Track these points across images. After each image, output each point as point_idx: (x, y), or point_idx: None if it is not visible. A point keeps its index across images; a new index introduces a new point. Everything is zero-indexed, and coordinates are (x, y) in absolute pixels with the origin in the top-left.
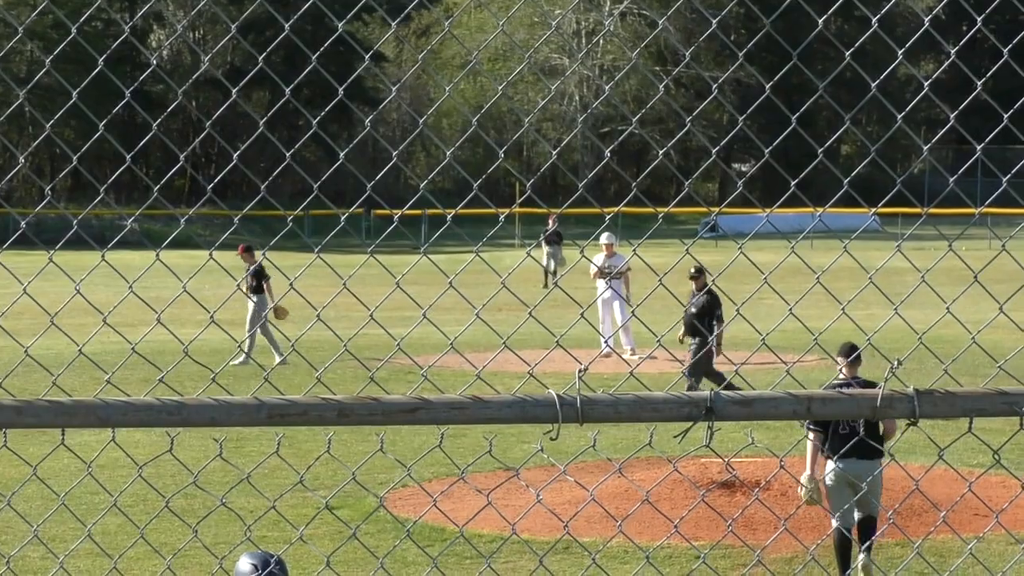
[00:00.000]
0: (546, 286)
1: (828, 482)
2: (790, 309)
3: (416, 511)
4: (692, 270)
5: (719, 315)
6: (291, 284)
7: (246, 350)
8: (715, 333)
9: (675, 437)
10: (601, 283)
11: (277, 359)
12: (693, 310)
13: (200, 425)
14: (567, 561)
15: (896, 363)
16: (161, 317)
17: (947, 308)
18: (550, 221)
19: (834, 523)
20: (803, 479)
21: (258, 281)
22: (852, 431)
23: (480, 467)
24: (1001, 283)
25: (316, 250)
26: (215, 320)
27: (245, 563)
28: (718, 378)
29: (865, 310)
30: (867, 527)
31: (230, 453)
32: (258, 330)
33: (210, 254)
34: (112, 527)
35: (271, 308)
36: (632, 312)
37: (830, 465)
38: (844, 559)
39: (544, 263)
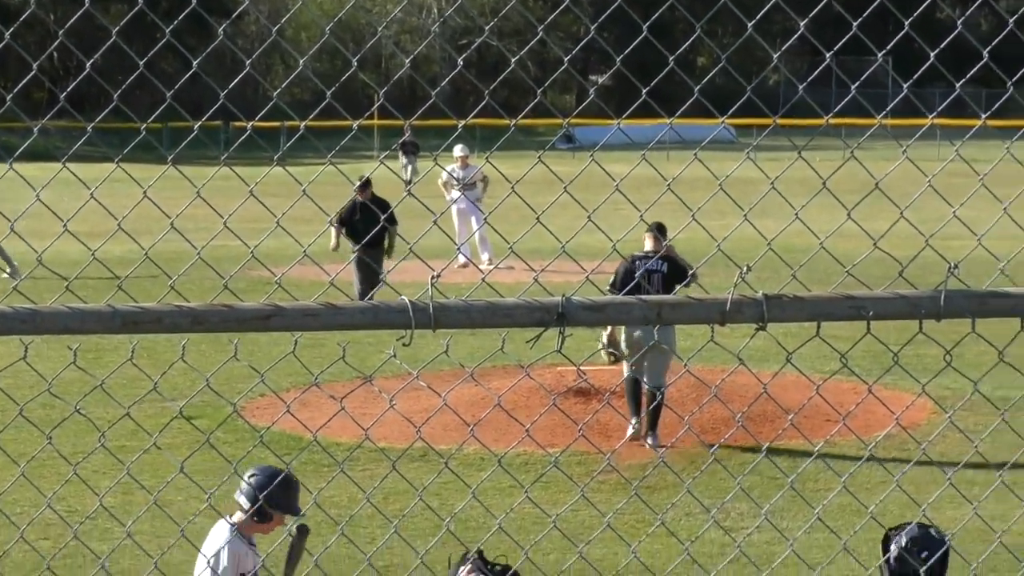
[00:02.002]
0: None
1: (625, 346)
2: (640, 216)
3: (272, 419)
4: (359, 180)
5: (393, 217)
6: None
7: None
8: (391, 237)
9: (527, 342)
10: (455, 193)
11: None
12: (361, 215)
13: (54, 332)
14: (423, 468)
15: (745, 268)
16: (16, 227)
17: (796, 214)
18: (406, 131)
19: (626, 371)
20: (602, 340)
21: None
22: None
23: (336, 376)
24: (855, 193)
25: (170, 158)
26: (69, 230)
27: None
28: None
29: (721, 220)
30: (654, 405)
31: (89, 364)
32: None
33: (63, 164)
34: None
35: None
36: (485, 220)
37: (628, 330)
38: (636, 401)
39: (403, 174)
